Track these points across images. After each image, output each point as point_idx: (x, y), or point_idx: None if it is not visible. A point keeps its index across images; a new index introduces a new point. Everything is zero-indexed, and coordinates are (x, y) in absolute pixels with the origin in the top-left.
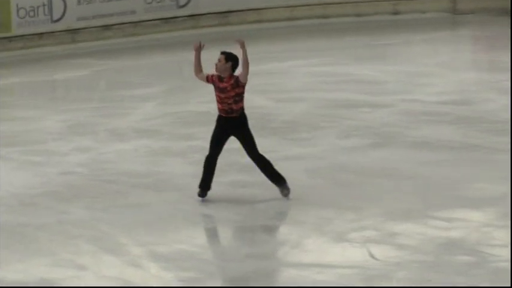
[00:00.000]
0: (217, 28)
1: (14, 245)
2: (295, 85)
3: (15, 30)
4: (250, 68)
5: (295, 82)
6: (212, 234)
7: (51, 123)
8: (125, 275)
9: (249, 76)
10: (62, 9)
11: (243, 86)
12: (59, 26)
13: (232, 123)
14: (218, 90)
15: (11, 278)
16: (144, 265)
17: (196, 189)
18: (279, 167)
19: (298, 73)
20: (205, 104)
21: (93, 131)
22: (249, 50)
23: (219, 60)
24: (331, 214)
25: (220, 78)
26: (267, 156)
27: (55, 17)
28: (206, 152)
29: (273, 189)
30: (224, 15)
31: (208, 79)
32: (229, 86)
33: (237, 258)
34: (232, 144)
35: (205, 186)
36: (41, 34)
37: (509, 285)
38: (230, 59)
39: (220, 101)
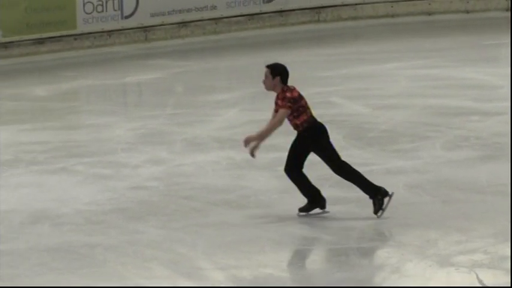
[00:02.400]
0: (308, 26)
1: (80, 269)
2: (397, 90)
3: (81, 27)
4: (344, 71)
5: (397, 87)
6: (301, 257)
7: (122, 131)
8: None
9: (343, 79)
10: (133, 4)
11: (289, 106)
12: (131, 22)
13: (302, 138)
14: (296, 101)
15: None
16: None
17: (283, 206)
18: (374, 181)
19: (400, 77)
20: None
21: (169, 140)
22: (343, 50)
23: (266, 76)
24: (435, 235)
25: (288, 90)
26: (365, 169)
27: (126, 13)
28: None
29: (371, 207)
30: (316, 11)
31: (287, 106)
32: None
33: (329, 284)
34: None
35: (308, 199)
36: (110, 32)
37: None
38: (277, 73)
39: (302, 110)
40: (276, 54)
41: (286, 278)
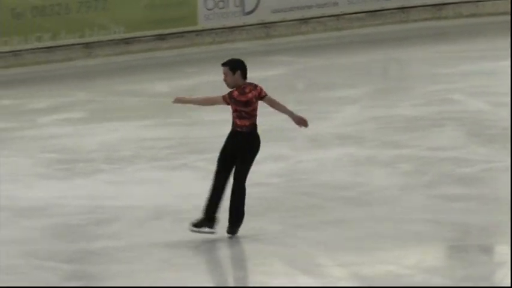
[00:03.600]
0: (429, 22)
1: (199, 265)
2: None
3: (203, 24)
4: (465, 67)
5: None
6: (422, 253)
7: None
8: None
9: (464, 76)
10: (255, 0)
11: (226, 100)
12: (252, 19)
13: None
14: (242, 105)
15: None
16: None
17: (405, 203)
18: (495, 178)
19: None
20: (417, 108)
21: (290, 137)
22: (464, 46)
23: (225, 74)
24: None
25: (241, 92)
26: (486, 167)
27: (247, 9)
28: (416, 162)
29: (492, 204)
30: (437, 7)
31: (226, 99)
32: (254, 98)
33: (450, 282)
34: (445, 152)
35: (206, 213)
36: (231, 28)
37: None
38: (236, 68)
39: (246, 115)
40: (397, 51)
41: (406, 275)
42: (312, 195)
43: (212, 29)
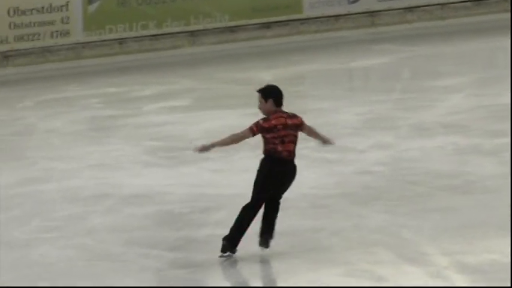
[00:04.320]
0: None
1: (305, 253)
2: None
3: (308, 12)
4: None
5: None
6: None
7: (348, 116)
8: None
9: None
10: None
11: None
12: (357, 7)
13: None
14: (265, 131)
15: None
16: (450, 277)
17: (509, 192)
18: None
19: None
20: None
21: (395, 125)
22: None
23: (259, 101)
24: None
25: (266, 119)
26: None
27: None
28: None
29: None
30: None
31: (253, 131)
32: (280, 124)
33: None
34: None
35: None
36: (336, 16)
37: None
38: (268, 95)
39: (265, 141)
40: (503, 39)
41: (510, 264)
42: (417, 183)
43: (317, 18)
